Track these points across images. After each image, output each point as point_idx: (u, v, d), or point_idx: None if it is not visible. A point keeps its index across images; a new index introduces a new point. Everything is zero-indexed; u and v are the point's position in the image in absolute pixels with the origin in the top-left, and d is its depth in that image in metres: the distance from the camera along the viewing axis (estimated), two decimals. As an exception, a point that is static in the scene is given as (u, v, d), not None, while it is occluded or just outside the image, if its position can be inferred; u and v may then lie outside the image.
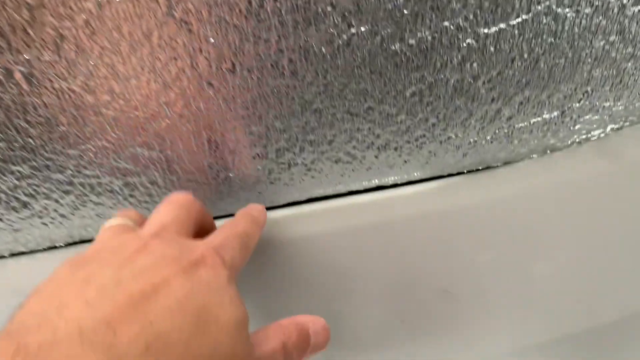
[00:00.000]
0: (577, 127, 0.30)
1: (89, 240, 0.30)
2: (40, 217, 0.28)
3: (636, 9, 0.25)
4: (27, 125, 0.24)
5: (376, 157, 0.29)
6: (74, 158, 0.26)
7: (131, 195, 0.28)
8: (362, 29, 0.23)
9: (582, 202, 0.30)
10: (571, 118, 0.29)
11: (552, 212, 0.30)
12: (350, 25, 0.23)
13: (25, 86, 0.23)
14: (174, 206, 0.24)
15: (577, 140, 0.31)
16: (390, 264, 0.30)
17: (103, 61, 0.23)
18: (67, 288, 0.18)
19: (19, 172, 0.26)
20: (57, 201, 0.28)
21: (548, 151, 0.31)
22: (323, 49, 0.23)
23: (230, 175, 0.28)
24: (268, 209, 0.30)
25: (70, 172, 0.26)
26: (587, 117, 0.29)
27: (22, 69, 0.22)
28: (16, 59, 0.22)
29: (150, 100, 0.24)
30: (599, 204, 0.30)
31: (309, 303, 0.29)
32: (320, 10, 0.22)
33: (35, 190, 0.27)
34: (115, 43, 0.22)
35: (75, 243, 0.30)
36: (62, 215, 0.28)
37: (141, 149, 0.26)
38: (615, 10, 0.25)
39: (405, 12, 0.23)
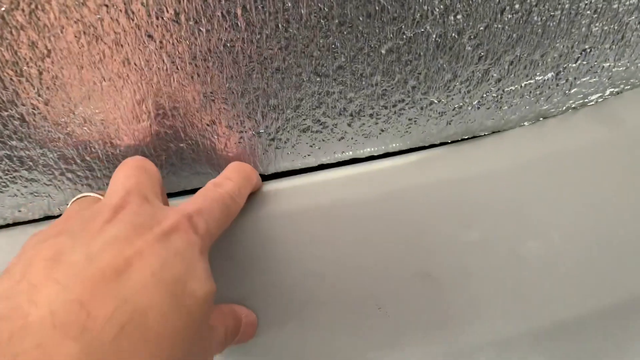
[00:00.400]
0: (573, 90, 0.27)
1: (24, 223, 0.27)
2: (-38, 196, 0.25)
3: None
4: None
5: (349, 125, 0.26)
6: (-5, 126, 0.22)
7: (68, 170, 0.25)
8: (328, -30, 0.20)
9: (578, 174, 0.27)
10: (567, 80, 0.26)
11: (545, 186, 0.27)
12: (313, -34, 0.20)
13: None
14: (132, 170, 0.22)
15: (573, 105, 0.28)
16: (367, 245, 0.27)
17: (18, 7, 0.19)
18: (35, 267, 0.17)
19: None
20: (-20, 177, 0.24)
21: (541, 118, 0.28)
22: (282, -5, 0.20)
23: (182, 145, 0.25)
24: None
25: (-7, 143, 0.23)
26: (585, 79, 0.27)
27: None
28: None
29: (79, 57, 0.21)
30: (597, 175, 0.27)
31: (274, 288, 0.27)
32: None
33: (-49, 164, 0.23)
34: (31, -15, 0.18)
35: (7, 225, 0.27)
36: (-11, 194, 0.25)
37: (75, 116, 0.23)
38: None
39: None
